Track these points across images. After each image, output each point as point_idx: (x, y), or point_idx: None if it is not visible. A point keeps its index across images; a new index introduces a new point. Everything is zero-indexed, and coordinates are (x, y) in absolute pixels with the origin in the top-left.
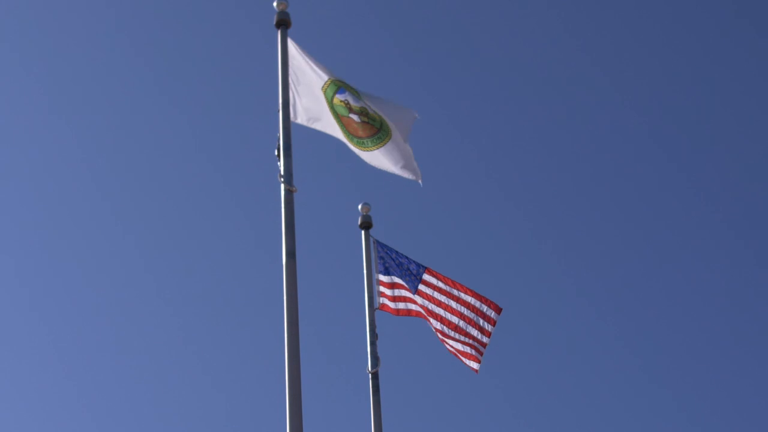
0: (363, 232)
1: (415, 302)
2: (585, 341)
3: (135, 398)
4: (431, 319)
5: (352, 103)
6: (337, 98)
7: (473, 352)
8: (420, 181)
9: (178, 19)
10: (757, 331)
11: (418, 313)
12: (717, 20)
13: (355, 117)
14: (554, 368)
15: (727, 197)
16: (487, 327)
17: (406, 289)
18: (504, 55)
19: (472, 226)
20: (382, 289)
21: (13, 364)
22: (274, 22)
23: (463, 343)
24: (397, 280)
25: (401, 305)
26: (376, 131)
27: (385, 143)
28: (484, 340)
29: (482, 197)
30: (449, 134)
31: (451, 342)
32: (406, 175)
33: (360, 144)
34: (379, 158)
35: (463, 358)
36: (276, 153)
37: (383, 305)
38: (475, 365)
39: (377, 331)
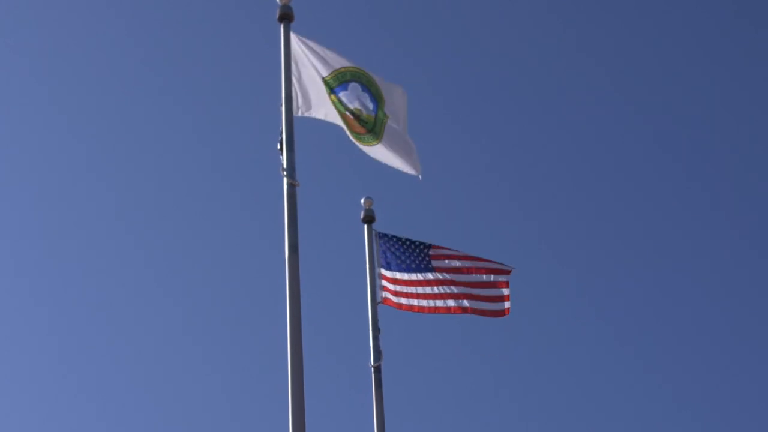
0: (365, 226)
1: (419, 296)
2: (586, 337)
3: (137, 393)
4: (450, 300)
5: (347, 104)
6: (333, 96)
7: (496, 304)
8: (419, 176)
9: (180, 12)
10: (759, 330)
11: (420, 309)
12: (717, 20)
13: (349, 115)
14: (555, 365)
15: (728, 196)
16: (501, 278)
17: (410, 283)
18: (506, 49)
19: (474, 221)
20: (384, 283)
21: (18, 366)
22: (277, 16)
23: (485, 298)
24: (399, 275)
25: (403, 300)
26: (366, 132)
27: (374, 145)
28: (503, 281)
29: (484, 192)
30: (451, 129)
31: (476, 303)
32: (402, 168)
33: (357, 138)
34: (370, 152)
35: (490, 306)
36: (278, 147)
37: (386, 299)
38: (506, 305)
39: (379, 325)
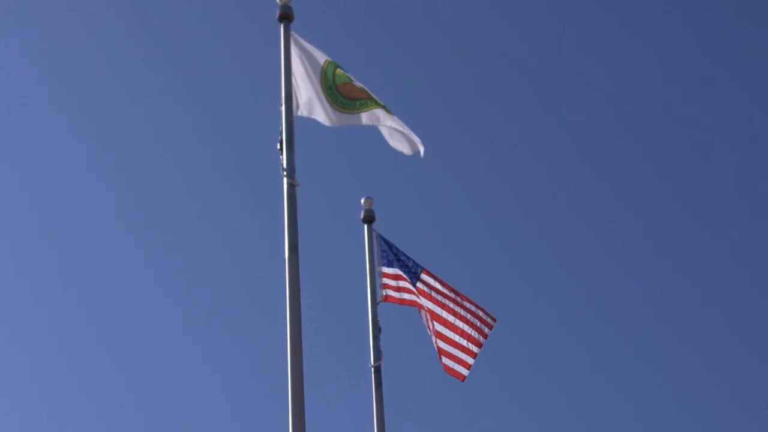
0: (366, 226)
1: (414, 294)
2: (586, 337)
3: (137, 393)
4: (428, 319)
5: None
6: (339, 70)
7: (464, 356)
8: (420, 152)
9: (180, 12)
10: (759, 330)
11: (420, 305)
12: (717, 20)
13: (357, 84)
14: (555, 364)
15: (728, 196)
16: (480, 338)
17: (407, 281)
18: (506, 49)
19: (474, 220)
20: (385, 280)
21: (18, 366)
22: (277, 16)
23: (456, 345)
24: (399, 272)
25: (405, 296)
26: (370, 96)
27: (381, 108)
28: (477, 346)
29: (484, 192)
30: (451, 129)
31: (441, 343)
32: (404, 142)
33: (362, 105)
34: (380, 116)
35: (450, 362)
36: (278, 147)
37: (387, 296)
38: (464, 371)
39: (380, 325)
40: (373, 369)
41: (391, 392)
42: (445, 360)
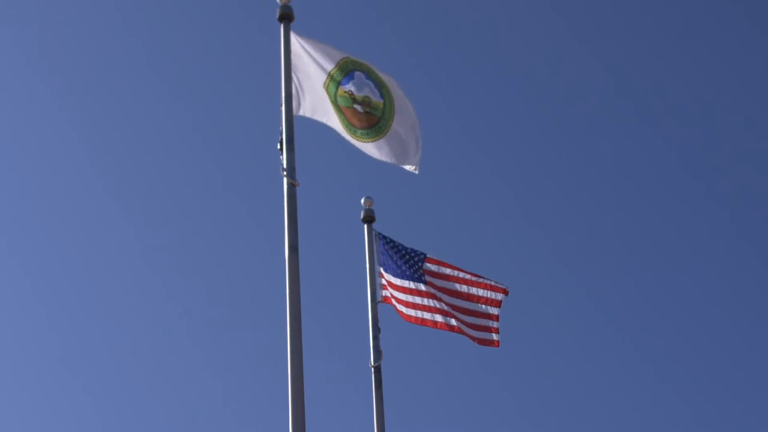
0: (365, 225)
1: (409, 304)
2: (587, 336)
3: (137, 393)
4: (438, 315)
5: (356, 93)
6: (342, 89)
7: (490, 322)
8: (416, 170)
9: (180, 12)
10: (759, 330)
11: (408, 318)
12: (717, 18)
13: (358, 107)
14: (556, 364)
15: (728, 196)
16: (497, 296)
17: (402, 290)
18: (507, 49)
19: (474, 220)
20: (384, 282)
21: (18, 366)
22: (277, 16)
23: (478, 314)
24: (393, 280)
25: (395, 304)
26: (377, 120)
27: (385, 135)
28: (496, 307)
29: (485, 192)
30: (452, 128)
31: (465, 317)
32: (402, 164)
33: (363, 135)
34: (374, 150)
35: (480, 333)
36: (279, 147)
37: (386, 298)
38: (495, 337)
39: (380, 325)
40: (373, 369)
41: (391, 392)
42: (474, 333)
